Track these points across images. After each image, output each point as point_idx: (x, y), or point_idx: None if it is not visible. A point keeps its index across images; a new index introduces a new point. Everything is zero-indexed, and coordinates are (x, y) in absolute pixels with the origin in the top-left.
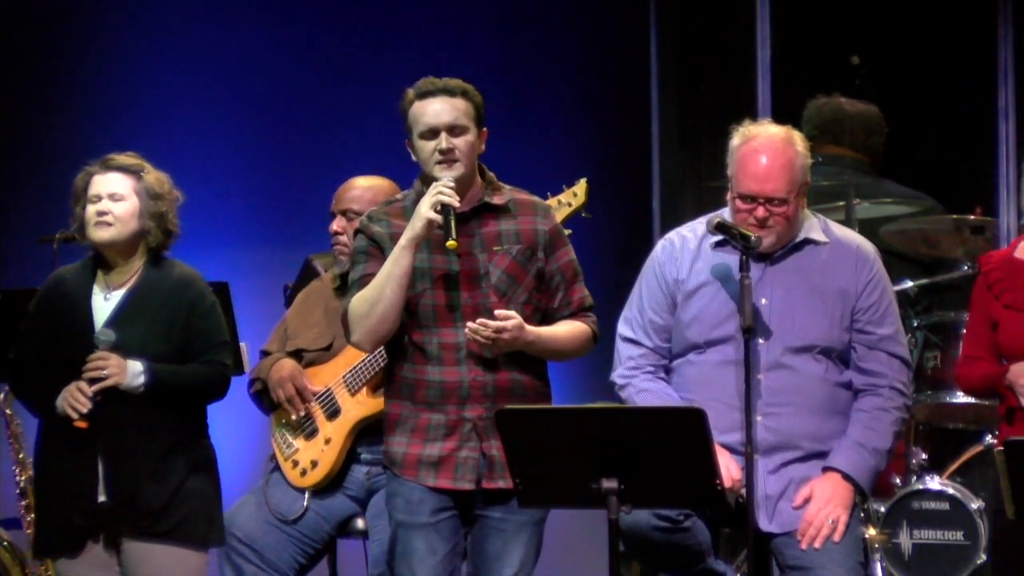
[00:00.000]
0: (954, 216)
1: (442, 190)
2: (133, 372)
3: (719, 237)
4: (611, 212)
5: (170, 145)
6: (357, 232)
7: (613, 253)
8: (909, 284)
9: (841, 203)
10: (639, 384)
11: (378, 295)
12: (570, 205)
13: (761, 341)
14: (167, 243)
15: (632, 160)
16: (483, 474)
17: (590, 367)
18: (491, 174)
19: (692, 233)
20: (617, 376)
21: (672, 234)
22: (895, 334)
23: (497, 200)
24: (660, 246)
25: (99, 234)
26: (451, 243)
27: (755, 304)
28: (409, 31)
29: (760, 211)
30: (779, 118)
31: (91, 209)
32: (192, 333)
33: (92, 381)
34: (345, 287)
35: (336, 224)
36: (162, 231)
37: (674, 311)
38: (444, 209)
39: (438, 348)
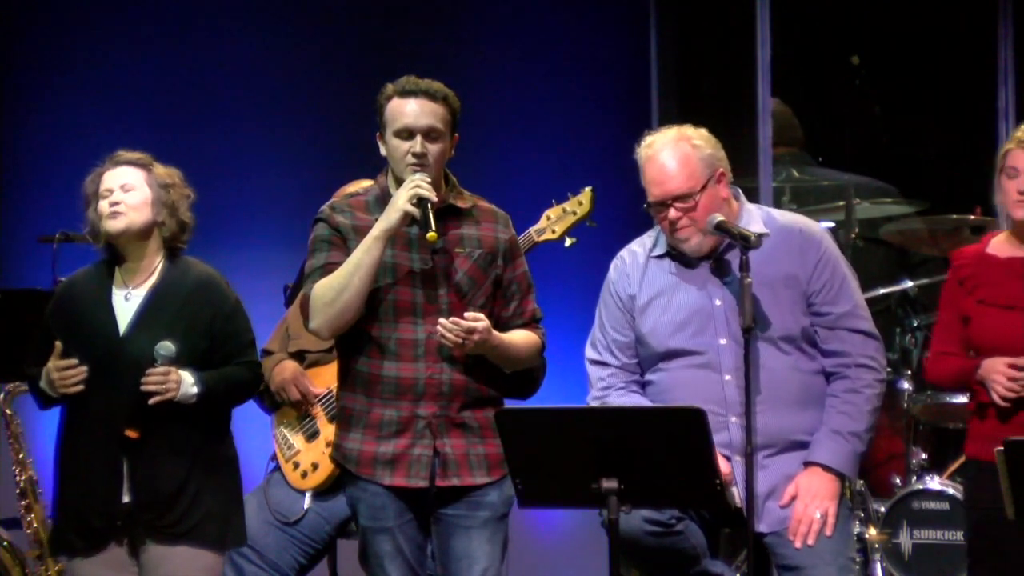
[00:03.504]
0: (954, 216)
1: (419, 183)
2: (187, 384)
3: (661, 251)
4: (611, 213)
5: (169, 146)
6: (317, 221)
7: (612, 254)
8: (909, 284)
9: (841, 203)
10: (612, 402)
11: (345, 283)
12: (575, 214)
13: (723, 342)
14: (182, 237)
15: (632, 161)
16: (436, 472)
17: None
18: (454, 179)
19: (641, 247)
20: (591, 399)
21: (622, 251)
22: (854, 309)
23: (461, 204)
24: (612, 266)
25: (113, 224)
26: (431, 235)
27: (711, 306)
28: (410, 32)
29: (672, 212)
30: None
31: (103, 203)
32: (221, 337)
33: (150, 394)
34: None
35: None
36: (175, 223)
37: (635, 325)
38: (421, 202)
39: (396, 344)
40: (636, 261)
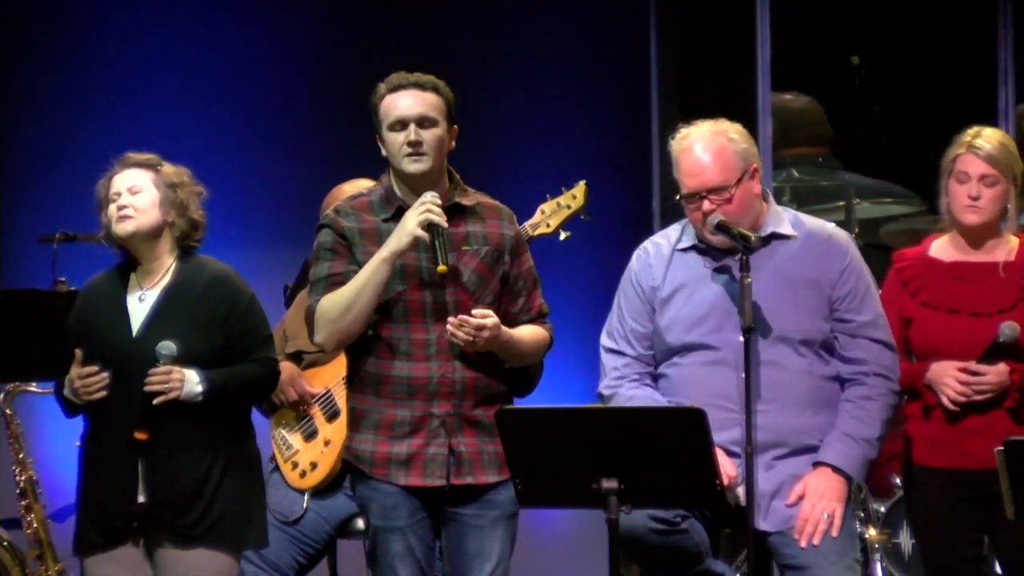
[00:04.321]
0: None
1: (430, 207)
2: (191, 383)
3: (687, 244)
4: (611, 212)
5: (169, 145)
6: (322, 227)
7: (613, 254)
8: None
9: (841, 203)
10: (625, 393)
11: (352, 301)
12: (569, 207)
13: (742, 339)
14: (194, 236)
15: (632, 160)
16: (452, 470)
17: (590, 368)
18: (458, 176)
19: (665, 240)
20: (603, 388)
21: (646, 243)
22: (876, 319)
23: (466, 202)
24: (635, 256)
25: (123, 227)
26: (441, 268)
27: (731, 304)
28: (407, 32)
29: (706, 205)
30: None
31: (112, 207)
32: (235, 334)
33: (153, 395)
34: None
35: None
36: (186, 221)
37: (654, 318)
38: (431, 228)
39: (408, 344)
40: (660, 253)
